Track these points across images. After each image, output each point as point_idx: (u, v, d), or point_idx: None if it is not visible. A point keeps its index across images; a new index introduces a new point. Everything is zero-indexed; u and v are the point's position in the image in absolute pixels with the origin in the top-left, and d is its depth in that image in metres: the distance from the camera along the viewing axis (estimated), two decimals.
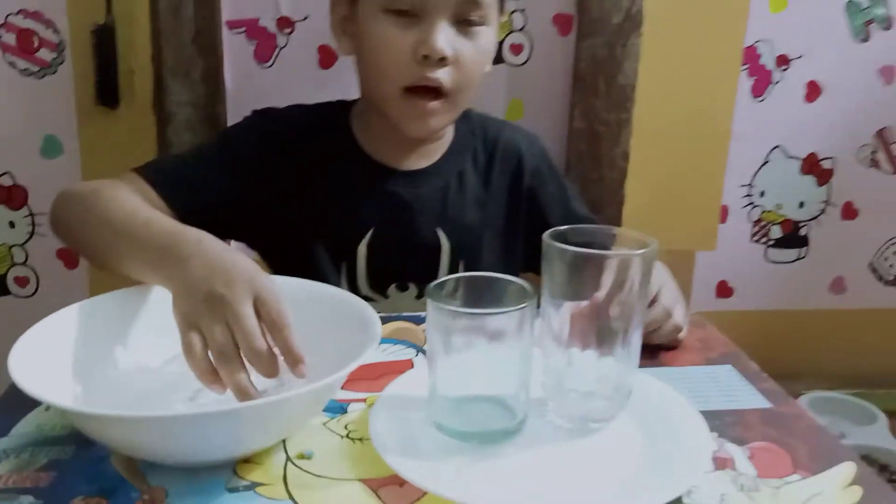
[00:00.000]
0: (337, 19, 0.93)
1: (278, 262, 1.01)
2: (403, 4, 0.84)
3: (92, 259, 0.82)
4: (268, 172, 0.94)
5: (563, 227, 0.63)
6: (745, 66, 1.53)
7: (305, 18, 1.39)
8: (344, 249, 0.96)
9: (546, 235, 0.61)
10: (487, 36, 0.88)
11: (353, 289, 0.97)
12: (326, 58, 1.41)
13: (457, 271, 0.98)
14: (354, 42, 0.92)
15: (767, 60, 1.53)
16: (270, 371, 0.58)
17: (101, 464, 0.57)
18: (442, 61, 0.84)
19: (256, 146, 0.95)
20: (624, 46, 1.40)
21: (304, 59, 1.40)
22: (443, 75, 0.85)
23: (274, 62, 1.41)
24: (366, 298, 0.93)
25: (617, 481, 0.56)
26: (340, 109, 1.00)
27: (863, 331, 1.73)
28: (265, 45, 1.40)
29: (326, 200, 0.96)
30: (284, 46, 1.40)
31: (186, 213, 0.87)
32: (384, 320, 0.72)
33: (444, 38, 0.84)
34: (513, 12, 1.41)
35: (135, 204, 0.79)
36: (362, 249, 0.95)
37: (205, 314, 0.59)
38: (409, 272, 0.96)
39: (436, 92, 0.87)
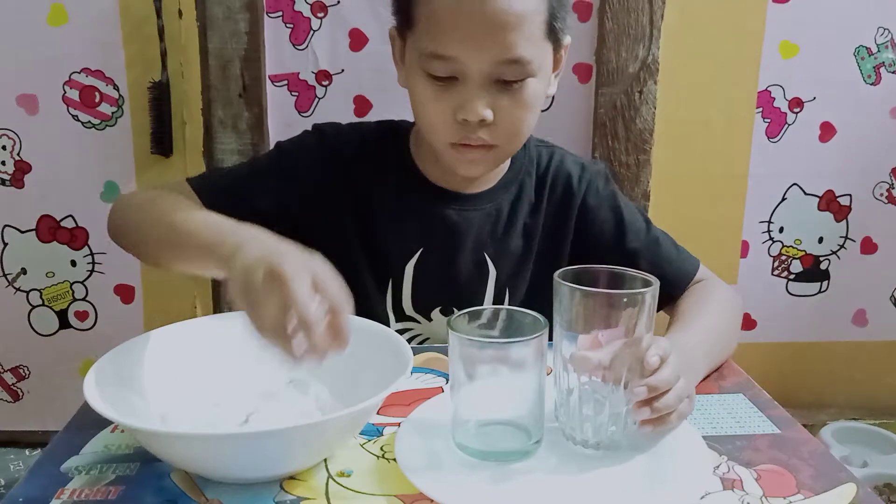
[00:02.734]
0: (395, 50, 0.91)
1: None
2: (440, 71, 0.82)
3: (148, 257, 0.86)
4: (317, 187, 0.93)
5: (574, 267, 0.68)
6: (759, 110, 1.56)
7: (342, 72, 1.47)
8: (391, 268, 0.95)
9: (556, 275, 0.66)
10: (532, 86, 0.84)
11: (398, 308, 0.96)
12: (361, 107, 1.48)
13: (502, 299, 0.97)
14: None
15: (781, 103, 1.57)
16: (317, 345, 0.59)
17: (163, 479, 0.62)
18: (482, 122, 0.83)
19: (307, 160, 0.94)
20: (641, 93, 1.46)
21: (341, 109, 1.47)
22: (485, 134, 0.84)
23: (313, 112, 1.49)
24: (409, 319, 0.97)
25: (624, 499, 0.60)
26: (399, 129, 0.98)
27: (885, 362, 1.73)
28: (305, 97, 1.48)
29: (378, 217, 0.95)
30: (323, 97, 1.48)
31: None
32: (416, 351, 0.76)
33: (482, 102, 0.82)
34: None
35: (191, 206, 0.82)
36: (409, 269, 0.95)
37: (260, 290, 0.60)
38: (455, 296, 0.95)
39: (482, 145, 0.86)
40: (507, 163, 0.97)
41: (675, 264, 0.96)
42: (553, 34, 0.84)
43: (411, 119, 0.95)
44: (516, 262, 0.97)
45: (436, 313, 0.97)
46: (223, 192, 0.92)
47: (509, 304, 0.97)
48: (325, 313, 0.60)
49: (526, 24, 0.80)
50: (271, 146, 1.43)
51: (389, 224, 0.95)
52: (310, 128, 1.00)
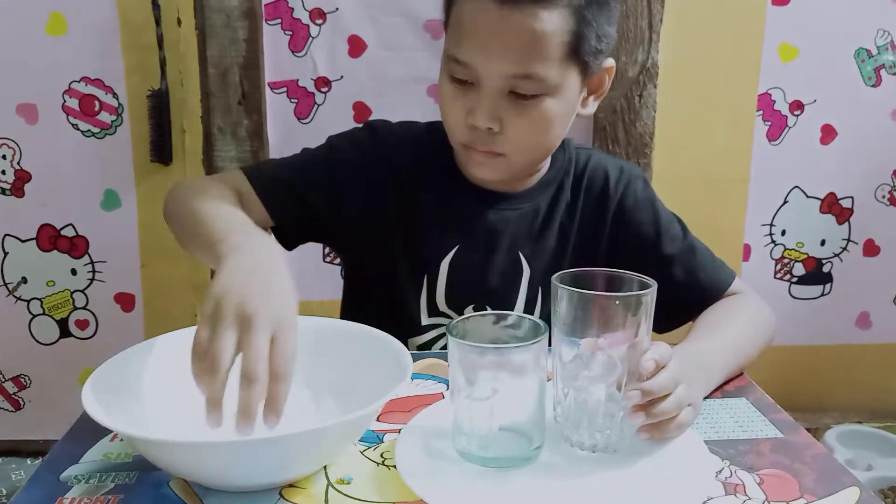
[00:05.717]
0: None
1: (360, 268, 1.04)
2: (459, 74, 0.85)
3: (182, 245, 0.89)
4: (364, 181, 0.96)
5: (573, 270, 0.68)
6: (760, 112, 1.57)
7: (341, 78, 1.47)
8: (427, 263, 0.96)
9: (554, 278, 0.66)
10: (548, 105, 0.84)
11: (431, 304, 0.97)
12: (361, 113, 1.49)
13: (535, 298, 0.97)
14: None
15: (781, 106, 1.57)
16: (249, 403, 0.57)
17: (162, 488, 0.62)
18: (489, 130, 0.85)
19: (356, 155, 0.96)
20: (641, 97, 1.46)
21: (341, 115, 1.48)
22: (492, 142, 0.86)
23: (313, 118, 1.49)
24: (442, 315, 0.98)
25: None
26: (443, 129, 0.97)
27: (890, 365, 1.72)
28: (304, 104, 1.49)
29: (419, 214, 0.97)
30: (322, 104, 1.49)
31: (282, 216, 0.94)
32: (415, 357, 0.75)
33: (489, 112, 0.84)
34: None
35: (220, 201, 0.85)
36: (444, 266, 0.96)
37: (228, 319, 0.60)
38: (488, 294, 0.96)
39: (489, 151, 0.88)
40: (547, 163, 0.98)
41: (709, 274, 0.96)
42: (578, 57, 0.84)
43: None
44: (550, 262, 0.97)
45: (469, 310, 0.97)
46: (274, 181, 0.95)
47: (542, 304, 0.98)
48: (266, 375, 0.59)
49: (542, 42, 0.81)
50: (271, 153, 1.47)
51: (430, 221, 0.97)
52: (365, 121, 1.02)
